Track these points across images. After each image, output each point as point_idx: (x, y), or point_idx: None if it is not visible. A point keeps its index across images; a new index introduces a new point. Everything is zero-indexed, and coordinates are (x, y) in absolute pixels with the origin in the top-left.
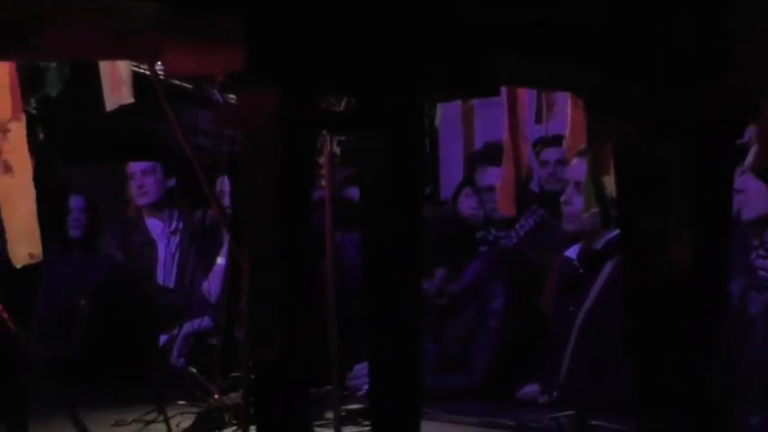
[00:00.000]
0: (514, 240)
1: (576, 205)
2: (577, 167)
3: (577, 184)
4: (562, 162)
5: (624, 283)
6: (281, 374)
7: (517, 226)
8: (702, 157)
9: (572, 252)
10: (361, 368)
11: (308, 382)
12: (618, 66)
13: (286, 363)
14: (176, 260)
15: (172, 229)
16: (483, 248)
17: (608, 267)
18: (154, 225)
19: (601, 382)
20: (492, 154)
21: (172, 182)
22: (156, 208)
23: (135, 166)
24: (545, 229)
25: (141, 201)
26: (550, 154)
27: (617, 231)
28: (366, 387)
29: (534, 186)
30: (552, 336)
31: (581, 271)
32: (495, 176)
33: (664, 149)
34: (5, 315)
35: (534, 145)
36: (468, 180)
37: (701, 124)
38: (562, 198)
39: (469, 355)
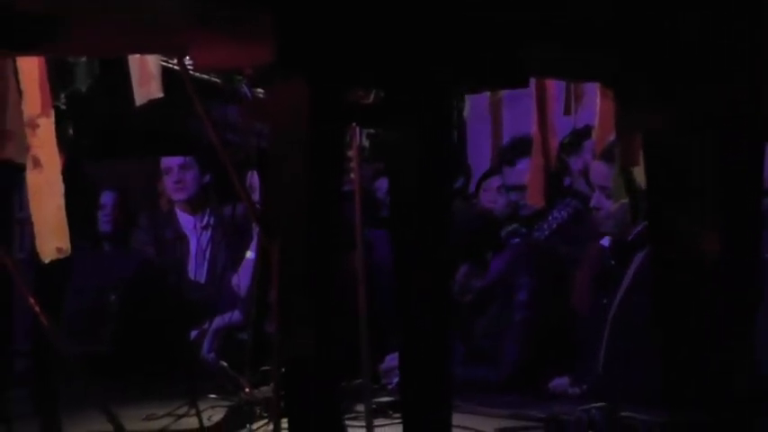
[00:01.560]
0: (546, 233)
1: (605, 208)
2: (599, 172)
3: (602, 188)
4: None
5: (652, 274)
6: (313, 368)
7: (550, 218)
8: (732, 148)
9: (606, 241)
10: (392, 359)
11: (339, 376)
12: (644, 57)
13: (317, 356)
14: (207, 255)
15: (203, 224)
16: (515, 240)
17: (638, 259)
18: (186, 220)
19: (631, 373)
20: (519, 150)
21: (207, 178)
22: (191, 203)
23: (171, 161)
24: (580, 221)
25: (178, 196)
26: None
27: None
28: (396, 380)
29: (566, 182)
30: (585, 329)
31: (612, 262)
32: (522, 174)
33: (693, 140)
34: (37, 310)
35: (573, 137)
36: (492, 172)
37: (731, 116)
38: (592, 204)
39: (498, 348)
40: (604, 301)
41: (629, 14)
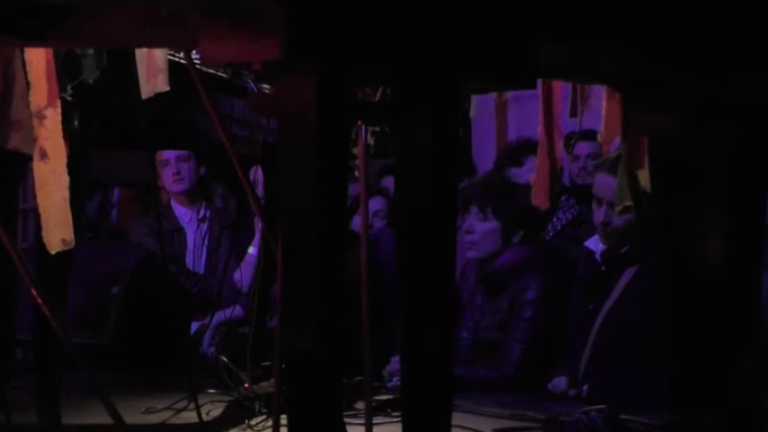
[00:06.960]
0: (551, 234)
1: (614, 223)
2: (606, 186)
3: (610, 204)
4: (593, 156)
5: (661, 277)
6: (317, 364)
7: (554, 219)
8: (742, 147)
9: (592, 244)
10: (398, 361)
11: (340, 372)
12: (659, 53)
13: (323, 352)
14: (206, 246)
15: (200, 217)
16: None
17: (629, 273)
18: (182, 213)
19: (616, 381)
20: (526, 151)
21: (202, 170)
22: (188, 195)
23: (169, 154)
24: (582, 222)
25: (176, 188)
26: (582, 148)
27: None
28: (396, 380)
29: (565, 180)
30: (571, 332)
31: (603, 269)
32: (528, 176)
33: (700, 141)
34: (40, 301)
35: (568, 139)
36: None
37: (743, 113)
38: (600, 220)
39: (502, 344)
40: (591, 306)
41: (639, 14)
